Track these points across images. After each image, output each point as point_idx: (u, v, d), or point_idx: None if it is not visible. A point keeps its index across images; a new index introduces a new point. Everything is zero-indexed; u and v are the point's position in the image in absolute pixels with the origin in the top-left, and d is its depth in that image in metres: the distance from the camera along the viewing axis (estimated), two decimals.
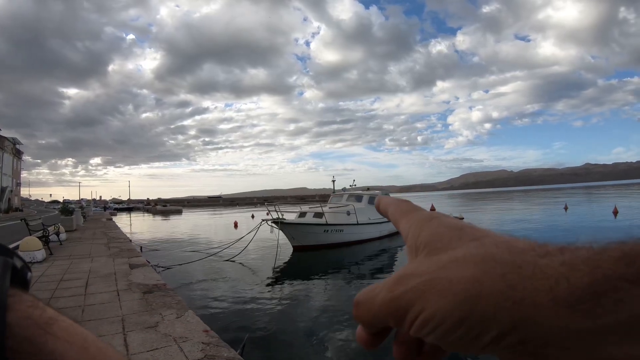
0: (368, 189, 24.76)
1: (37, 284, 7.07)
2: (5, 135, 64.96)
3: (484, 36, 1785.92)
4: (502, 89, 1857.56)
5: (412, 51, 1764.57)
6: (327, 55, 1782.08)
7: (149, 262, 9.84)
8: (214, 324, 4.70)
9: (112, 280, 7.15)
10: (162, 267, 13.17)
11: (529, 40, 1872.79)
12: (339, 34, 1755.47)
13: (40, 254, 9.73)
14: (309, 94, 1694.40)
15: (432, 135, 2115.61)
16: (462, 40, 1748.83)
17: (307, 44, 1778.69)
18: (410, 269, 0.27)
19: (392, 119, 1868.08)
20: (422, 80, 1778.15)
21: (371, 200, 20.99)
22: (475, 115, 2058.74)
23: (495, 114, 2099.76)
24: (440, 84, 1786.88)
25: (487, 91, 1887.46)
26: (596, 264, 0.20)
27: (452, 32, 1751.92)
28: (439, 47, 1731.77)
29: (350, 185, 25.69)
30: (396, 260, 16.09)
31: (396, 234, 22.07)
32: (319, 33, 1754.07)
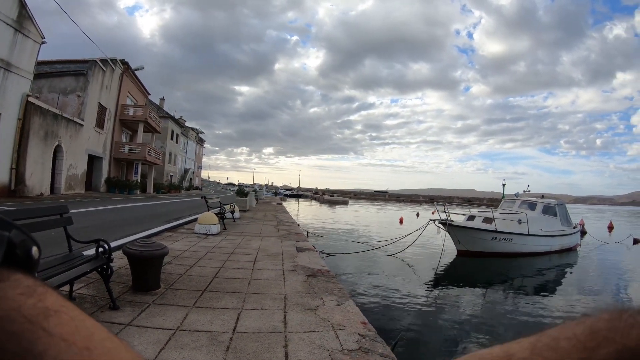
0: (542, 196, 22.34)
1: (210, 253, 7.85)
2: (190, 126, 76.73)
3: None
4: None
5: (584, 37, 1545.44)
6: (490, 46, 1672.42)
7: (314, 247, 10.20)
8: (369, 317, 4.61)
9: (279, 260, 7.54)
10: (325, 253, 13.72)
11: None
12: (501, 21, 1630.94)
13: (216, 228, 10.94)
14: (475, 89, 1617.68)
15: (613, 139, 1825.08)
16: None
17: (469, 35, 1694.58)
18: None
19: (567, 117, 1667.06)
20: (599, 72, 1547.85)
21: (545, 209, 19.54)
22: None
23: None
24: (621, 76, 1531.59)
25: None
26: None
27: (629, 11, 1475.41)
28: (615, 30, 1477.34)
29: (524, 191, 23.88)
30: (563, 279, 14.59)
31: (567, 250, 19.99)
32: (479, 22, 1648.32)
